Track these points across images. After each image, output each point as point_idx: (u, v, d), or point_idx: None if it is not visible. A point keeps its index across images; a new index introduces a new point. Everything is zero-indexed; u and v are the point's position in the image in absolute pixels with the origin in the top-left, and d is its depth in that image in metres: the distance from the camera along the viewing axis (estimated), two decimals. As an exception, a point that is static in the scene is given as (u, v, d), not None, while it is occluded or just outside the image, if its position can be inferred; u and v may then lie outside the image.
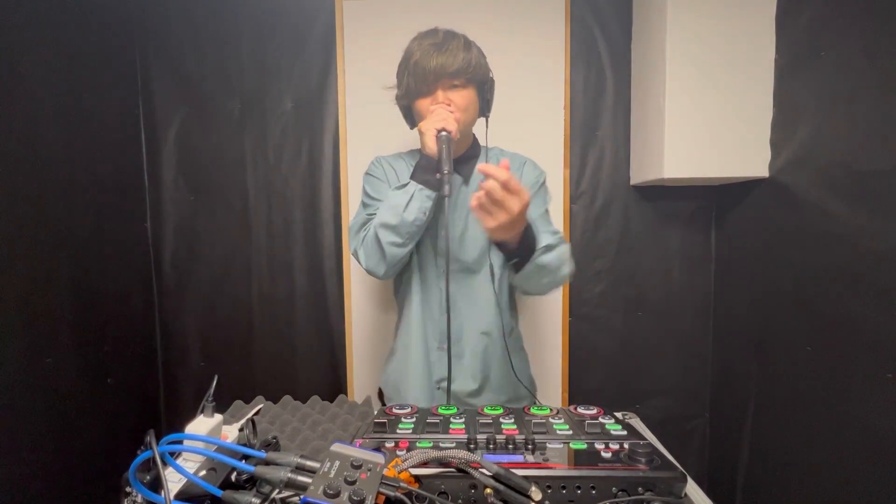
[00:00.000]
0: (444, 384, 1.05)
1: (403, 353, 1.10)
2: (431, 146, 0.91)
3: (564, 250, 0.96)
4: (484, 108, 1.04)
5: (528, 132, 1.52)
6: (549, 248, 0.92)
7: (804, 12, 1.15)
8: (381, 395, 1.19)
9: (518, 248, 0.90)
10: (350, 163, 1.57)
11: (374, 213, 0.99)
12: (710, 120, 1.27)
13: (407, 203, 0.92)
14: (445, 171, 0.87)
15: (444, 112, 0.93)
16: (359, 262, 1.01)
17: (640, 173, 1.45)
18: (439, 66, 0.94)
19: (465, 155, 1.08)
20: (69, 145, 1.28)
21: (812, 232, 1.12)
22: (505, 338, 1.06)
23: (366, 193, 1.07)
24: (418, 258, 1.06)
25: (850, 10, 1.02)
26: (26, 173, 1.14)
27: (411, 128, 1.10)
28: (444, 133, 0.90)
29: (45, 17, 1.21)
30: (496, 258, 1.04)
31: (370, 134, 1.55)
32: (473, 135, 1.10)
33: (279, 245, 1.61)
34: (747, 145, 1.27)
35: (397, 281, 1.14)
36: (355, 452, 0.52)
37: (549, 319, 1.58)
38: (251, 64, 1.56)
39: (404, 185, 0.95)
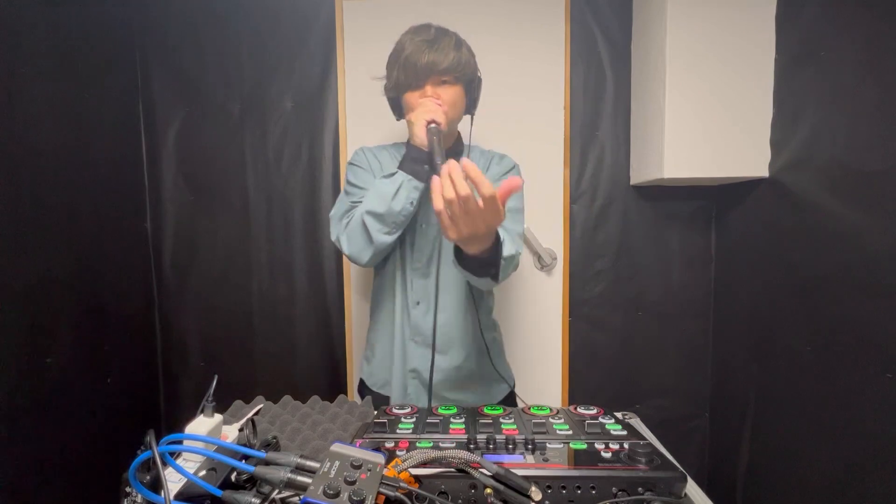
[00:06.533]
0: (417, 374, 1.07)
1: (377, 344, 1.13)
2: (422, 136, 0.92)
3: (518, 259, 0.95)
4: (470, 106, 1.06)
5: (529, 132, 1.52)
6: (509, 259, 0.88)
7: (804, 12, 1.15)
8: (360, 386, 1.19)
9: (480, 261, 0.81)
10: (350, 163, 1.57)
11: (358, 202, 1.00)
12: (710, 120, 1.27)
13: (395, 192, 0.92)
14: (439, 163, 0.86)
15: (432, 104, 0.94)
16: (340, 249, 1.01)
17: (640, 173, 1.45)
18: (430, 63, 0.95)
19: (449, 151, 1.08)
20: (69, 145, 1.28)
21: (812, 232, 1.12)
22: (482, 328, 1.08)
23: (349, 182, 1.07)
24: (400, 250, 1.07)
25: (850, 9, 1.02)
26: (26, 173, 1.14)
27: (398, 119, 1.11)
28: (433, 125, 0.91)
29: (45, 18, 1.21)
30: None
31: (370, 134, 1.55)
32: (458, 132, 1.11)
33: (279, 245, 1.61)
34: (747, 145, 1.27)
35: (377, 272, 1.14)
36: (355, 452, 0.52)
37: (549, 319, 1.58)
38: (251, 64, 1.56)
39: (392, 175, 0.94)
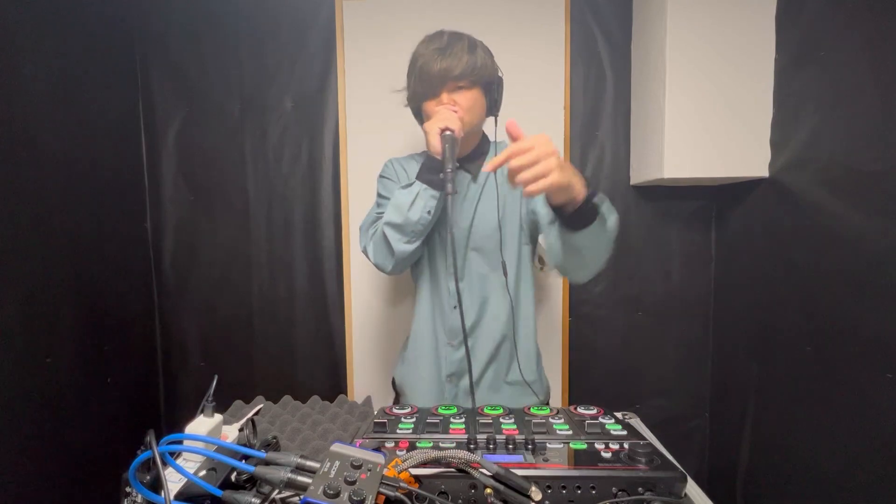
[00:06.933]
0: (454, 379, 1.07)
1: (413, 347, 1.13)
2: (436, 145, 0.91)
3: (615, 228, 0.86)
4: (491, 108, 1.04)
5: (529, 132, 1.51)
6: (609, 209, 0.83)
7: (804, 12, 1.15)
8: (393, 384, 1.20)
9: (584, 204, 0.79)
10: (350, 163, 1.57)
11: (384, 212, 1.02)
12: (710, 120, 1.27)
13: (412, 202, 0.94)
14: (448, 170, 0.86)
15: (447, 112, 0.94)
16: (368, 258, 1.03)
17: (640, 173, 1.45)
18: (443, 71, 0.95)
19: (474, 152, 1.09)
20: (69, 145, 1.28)
21: (812, 232, 1.12)
22: (515, 335, 1.06)
23: (378, 193, 1.10)
24: (429, 255, 1.08)
25: (850, 9, 1.02)
26: (26, 173, 1.14)
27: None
28: (447, 132, 0.91)
29: (45, 17, 1.21)
30: (509, 255, 1.04)
31: (370, 134, 1.55)
32: (483, 132, 1.10)
33: (279, 245, 1.61)
34: (747, 145, 1.27)
35: (414, 276, 1.15)
36: (355, 452, 0.52)
37: (549, 319, 1.58)
38: (251, 64, 1.56)
39: (410, 185, 0.96)
